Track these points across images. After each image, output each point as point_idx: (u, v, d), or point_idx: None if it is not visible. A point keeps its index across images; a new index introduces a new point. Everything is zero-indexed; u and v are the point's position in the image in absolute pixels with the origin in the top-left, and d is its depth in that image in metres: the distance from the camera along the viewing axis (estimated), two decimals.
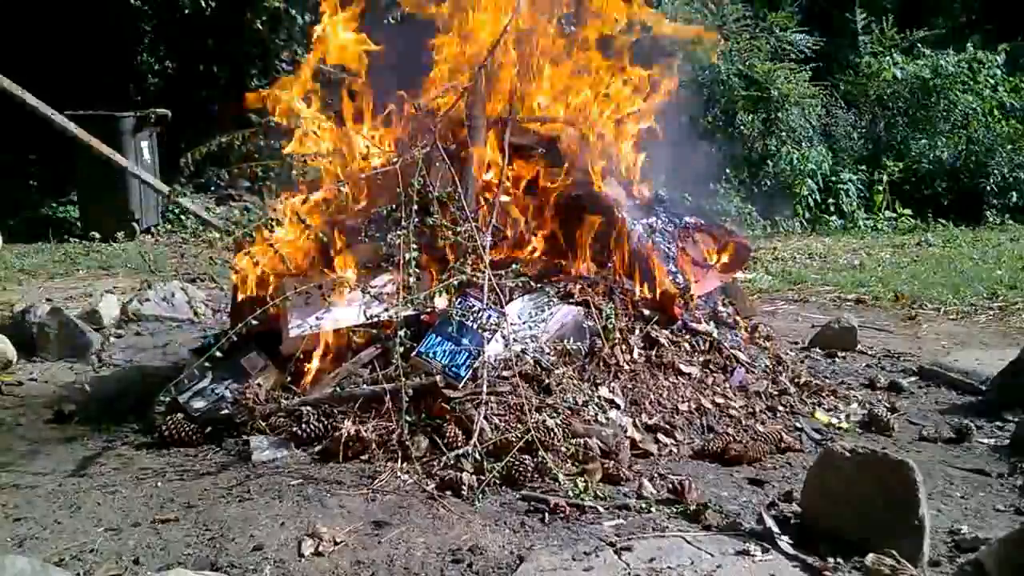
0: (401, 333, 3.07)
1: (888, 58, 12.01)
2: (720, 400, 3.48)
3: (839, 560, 2.33)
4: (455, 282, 3.29)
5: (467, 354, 3.22)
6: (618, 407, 3.27)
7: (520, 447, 2.87)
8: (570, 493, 2.69)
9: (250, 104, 3.84)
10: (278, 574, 2.29)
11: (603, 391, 3.31)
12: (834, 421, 3.56)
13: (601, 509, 2.64)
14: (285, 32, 10.68)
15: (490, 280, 3.34)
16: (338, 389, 3.24)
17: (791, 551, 2.37)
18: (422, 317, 3.44)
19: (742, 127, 11.01)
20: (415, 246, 3.25)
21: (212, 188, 10.51)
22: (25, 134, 9.66)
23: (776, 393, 3.66)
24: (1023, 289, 6.40)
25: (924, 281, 6.82)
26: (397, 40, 4.15)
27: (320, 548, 2.39)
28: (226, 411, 3.27)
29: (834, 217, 10.59)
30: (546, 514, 2.61)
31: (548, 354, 3.37)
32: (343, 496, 2.74)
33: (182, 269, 7.33)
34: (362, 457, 3.01)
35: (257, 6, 10.35)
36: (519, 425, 2.98)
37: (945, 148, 11.38)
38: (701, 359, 3.66)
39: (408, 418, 3.02)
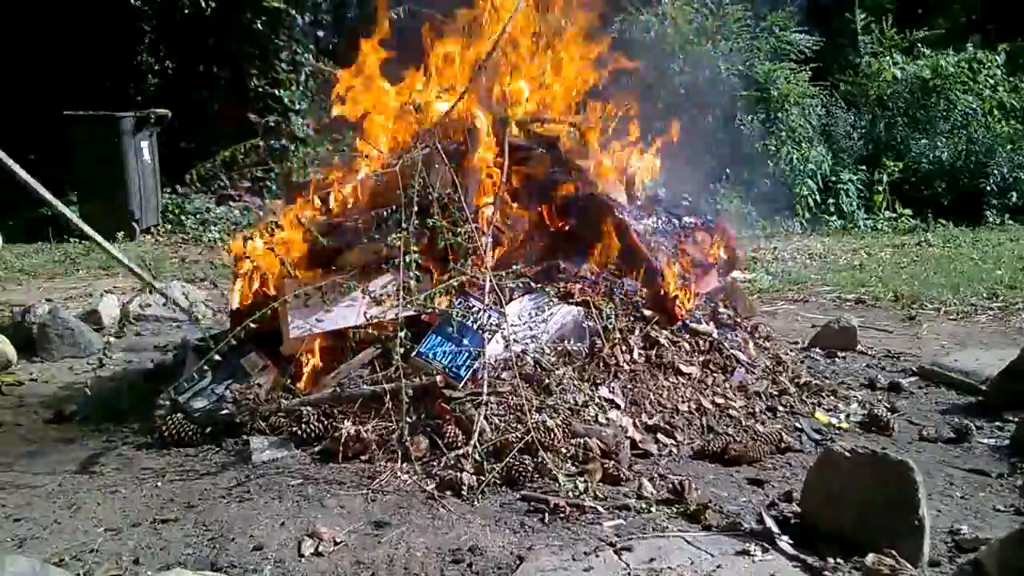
0: (401, 334, 3.08)
1: (888, 58, 12.02)
2: (720, 400, 3.48)
3: (839, 560, 2.32)
4: (455, 282, 3.29)
5: (467, 354, 3.22)
6: (618, 407, 3.27)
7: (520, 447, 2.87)
8: (570, 493, 2.69)
9: None
10: (278, 574, 2.29)
11: (603, 391, 3.31)
12: (834, 421, 3.56)
13: (601, 509, 2.63)
14: (285, 32, 10.69)
15: (490, 280, 3.34)
16: (338, 389, 3.24)
17: (791, 551, 2.37)
18: (423, 317, 3.43)
19: (742, 127, 11.01)
20: (415, 247, 3.25)
21: (213, 188, 10.51)
22: (25, 134, 9.65)
23: (776, 393, 3.66)
24: (1023, 289, 6.40)
25: (924, 281, 6.82)
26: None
27: (320, 548, 2.40)
28: (226, 411, 3.27)
29: (834, 217, 10.60)
30: (546, 514, 2.61)
31: (548, 354, 3.37)
32: (343, 496, 2.74)
33: (183, 269, 7.33)
34: (362, 457, 3.01)
35: (257, 6, 10.35)
36: (519, 425, 2.97)
37: (945, 148, 11.39)
38: (701, 359, 3.66)
39: (408, 418, 3.02)
